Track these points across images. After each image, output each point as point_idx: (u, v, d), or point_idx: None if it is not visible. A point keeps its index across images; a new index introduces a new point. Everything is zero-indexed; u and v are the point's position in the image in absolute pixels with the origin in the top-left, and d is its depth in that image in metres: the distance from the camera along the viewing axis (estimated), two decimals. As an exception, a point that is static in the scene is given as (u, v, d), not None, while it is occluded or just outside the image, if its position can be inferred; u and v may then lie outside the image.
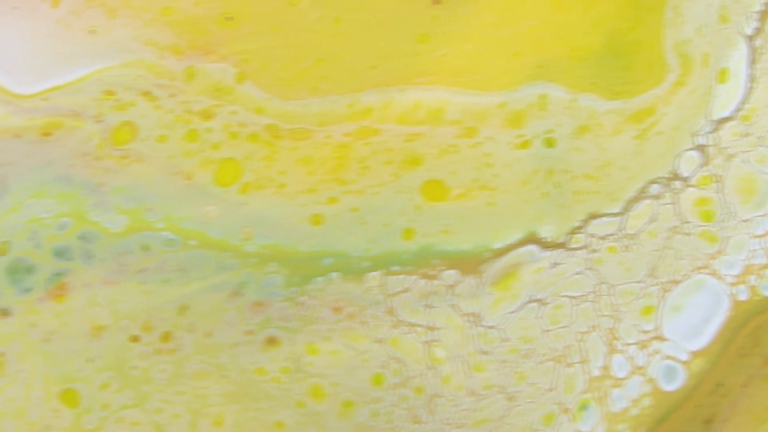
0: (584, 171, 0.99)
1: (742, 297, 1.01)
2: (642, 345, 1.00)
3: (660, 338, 1.00)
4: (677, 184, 1.00)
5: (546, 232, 0.99)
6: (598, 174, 0.99)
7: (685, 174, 1.00)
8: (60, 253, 0.97)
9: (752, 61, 1.00)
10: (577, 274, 0.99)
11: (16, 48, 0.95)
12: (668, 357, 1.00)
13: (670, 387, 1.00)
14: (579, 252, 0.99)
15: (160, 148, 0.96)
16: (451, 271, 0.99)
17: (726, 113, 1.00)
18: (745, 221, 1.00)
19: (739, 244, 1.01)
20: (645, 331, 1.00)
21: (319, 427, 0.99)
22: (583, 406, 1.00)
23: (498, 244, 0.98)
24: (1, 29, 0.95)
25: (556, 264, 0.99)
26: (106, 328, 0.98)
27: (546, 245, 0.99)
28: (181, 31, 0.96)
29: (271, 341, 0.99)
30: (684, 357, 1.00)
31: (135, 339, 0.98)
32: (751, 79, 1.00)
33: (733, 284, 1.00)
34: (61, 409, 0.99)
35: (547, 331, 1.00)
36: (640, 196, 1.00)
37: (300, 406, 0.99)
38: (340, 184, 0.98)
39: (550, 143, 0.98)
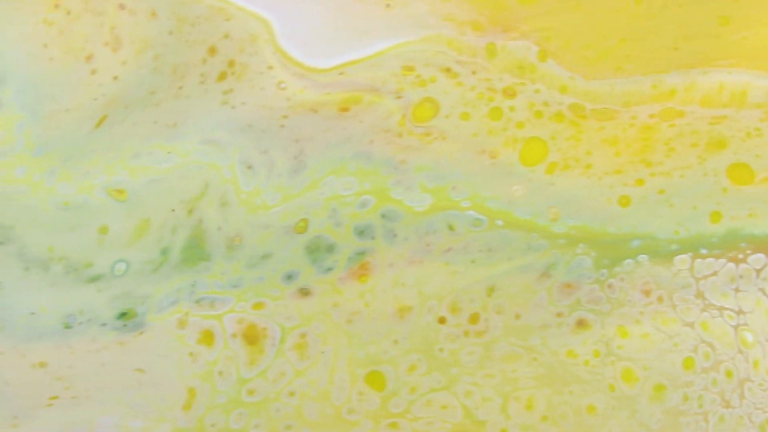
0: None
1: None
2: None
3: None
4: None
5: None
6: None
7: None
8: (361, 232, 0.93)
9: None
10: None
11: (311, 22, 0.94)
12: None
13: None
14: None
15: (464, 125, 0.94)
16: (759, 255, 0.95)
17: None
18: None
19: None
20: None
21: (631, 411, 0.94)
22: None
23: (808, 229, 0.95)
24: (295, 3, 0.93)
25: None
26: (412, 309, 0.93)
27: None
28: (481, 6, 0.95)
29: (582, 324, 0.94)
30: None
31: (442, 320, 0.94)
32: None
33: None
34: (366, 392, 0.93)
35: None
36: None
37: (611, 390, 0.94)
38: (647, 166, 0.95)
39: None
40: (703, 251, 0.96)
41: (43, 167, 0.94)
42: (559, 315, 0.96)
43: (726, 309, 0.96)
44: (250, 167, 0.94)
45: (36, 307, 0.95)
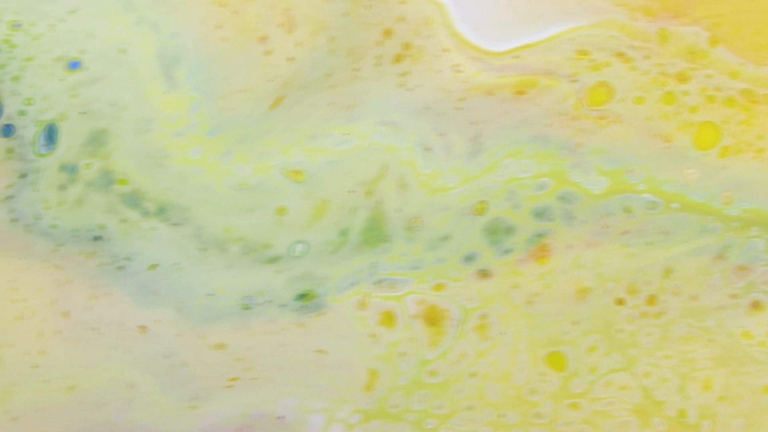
0: None
1: None
2: None
3: None
4: None
5: None
6: None
7: None
8: (540, 214, 0.94)
9: None
10: None
11: (485, 5, 0.95)
12: None
13: None
14: None
15: (638, 109, 0.95)
16: None
17: None
18: None
19: None
20: None
21: (807, 394, 0.96)
22: None
23: None
24: (470, -13, 0.95)
25: None
26: (590, 291, 0.94)
27: None
28: (652, -8, 0.97)
29: (756, 305, 0.96)
30: None
31: (620, 302, 0.95)
32: None
33: None
34: (547, 373, 0.95)
35: None
36: None
37: (787, 372, 0.95)
38: (817, 151, 0.96)
39: None
40: None
41: (218, 148, 0.94)
42: (733, 297, 0.97)
43: None
44: (428, 149, 0.95)
45: (214, 289, 0.95)
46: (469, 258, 0.95)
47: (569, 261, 0.96)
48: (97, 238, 0.94)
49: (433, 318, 0.96)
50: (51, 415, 0.96)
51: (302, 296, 0.95)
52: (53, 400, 0.96)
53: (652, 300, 0.96)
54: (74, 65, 0.94)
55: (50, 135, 0.94)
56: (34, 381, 0.96)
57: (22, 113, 0.94)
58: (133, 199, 0.94)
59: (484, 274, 0.95)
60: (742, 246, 0.97)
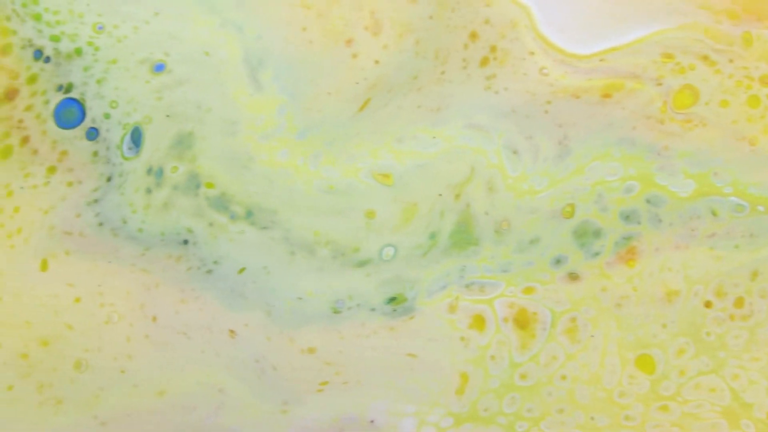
0: None
1: None
2: None
3: None
4: None
5: None
6: None
7: None
8: (627, 217, 0.95)
9: None
10: None
11: (569, 8, 0.95)
12: None
13: None
14: None
15: (723, 113, 0.96)
16: None
17: None
18: None
19: None
20: None
21: None
22: None
23: None
24: (554, -8, 0.96)
25: None
26: (678, 294, 0.95)
27: None
28: (735, -4, 0.97)
29: (839, 309, 0.96)
30: None
31: (708, 305, 0.96)
32: None
33: None
34: (637, 375, 0.95)
35: None
36: None
37: None
38: None
39: None
40: None
41: (306, 151, 0.94)
42: (816, 298, 0.97)
43: None
44: (515, 152, 0.95)
45: (303, 292, 0.95)
46: (558, 261, 0.96)
47: (657, 264, 0.96)
48: (184, 242, 0.94)
49: (523, 321, 0.96)
50: (140, 419, 0.96)
51: (392, 300, 0.95)
52: (142, 405, 0.96)
53: (739, 302, 0.97)
54: (159, 68, 0.94)
55: (136, 138, 0.94)
56: (123, 385, 0.95)
57: (106, 116, 0.93)
58: (221, 203, 0.94)
59: (573, 277, 0.96)
60: (828, 249, 0.97)
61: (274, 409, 0.95)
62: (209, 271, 0.94)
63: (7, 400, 0.95)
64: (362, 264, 0.94)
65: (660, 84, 0.96)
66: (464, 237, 0.95)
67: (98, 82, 0.93)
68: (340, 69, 0.94)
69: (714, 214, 0.96)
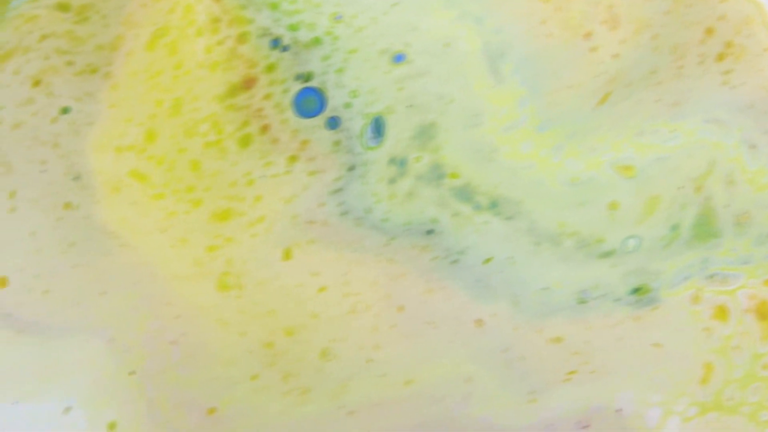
0: None
1: None
2: None
3: None
4: None
5: None
6: None
7: None
8: None
9: None
10: None
11: (801, 12, 0.97)
12: None
13: None
14: None
15: None
16: None
17: None
18: None
19: None
20: None
21: None
22: None
23: None
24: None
25: None
26: None
27: None
28: None
29: None
30: None
31: None
32: None
33: None
34: None
35: None
36: None
37: None
38: None
39: None
40: None
41: (548, 143, 0.95)
42: None
43: None
44: (753, 146, 0.96)
45: (549, 282, 0.95)
46: (803, 253, 0.96)
47: None
48: (429, 232, 0.95)
49: (764, 312, 0.97)
50: (388, 409, 0.95)
51: (636, 290, 0.95)
52: (390, 395, 0.95)
53: None
54: (399, 58, 0.95)
55: (377, 128, 0.95)
56: (370, 375, 0.95)
57: (347, 106, 0.94)
58: (465, 193, 0.94)
59: None
60: None
61: (521, 398, 0.95)
62: (455, 261, 0.94)
63: (252, 390, 0.95)
64: (606, 255, 0.95)
65: None
66: (705, 229, 0.96)
67: (338, 71, 0.94)
68: (579, 62, 0.95)
69: None
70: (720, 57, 0.97)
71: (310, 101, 0.94)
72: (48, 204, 0.93)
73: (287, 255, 0.93)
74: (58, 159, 0.93)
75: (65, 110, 0.93)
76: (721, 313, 0.96)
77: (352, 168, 0.94)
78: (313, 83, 0.94)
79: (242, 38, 0.93)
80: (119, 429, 0.95)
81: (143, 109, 0.93)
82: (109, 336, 0.95)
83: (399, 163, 0.94)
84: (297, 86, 0.94)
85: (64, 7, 0.93)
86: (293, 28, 0.94)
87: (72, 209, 0.93)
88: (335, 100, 0.94)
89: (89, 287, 0.94)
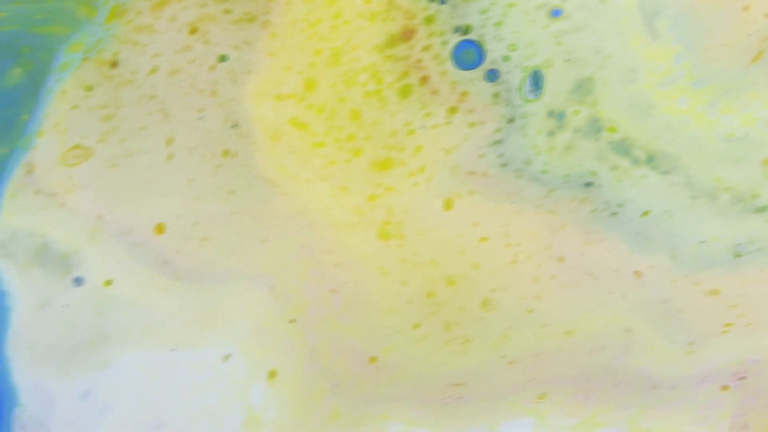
0: None
1: None
2: None
3: None
4: None
5: None
6: None
7: None
8: None
9: None
10: None
11: None
12: None
13: None
14: None
15: None
16: None
17: None
18: None
19: None
20: None
21: None
22: None
23: None
24: None
25: None
26: None
27: None
28: None
29: None
30: None
31: None
32: None
33: None
34: None
35: None
36: None
37: None
38: None
39: None
40: None
41: (704, 99, 0.97)
42: None
43: None
44: None
45: (705, 236, 0.97)
46: None
47: None
48: (588, 185, 0.96)
49: None
50: (548, 359, 0.96)
51: (789, 246, 0.97)
52: (550, 345, 0.96)
53: None
54: (556, 13, 0.96)
55: (536, 81, 0.96)
56: (531, 325, 0.96)
57: (506, 59, 0.95)
58: (623, 147, 0.96)
59: None
60: None
61: (680, 350, 0.96)
62: (613, 214, 0.95)
63: (413, 339, 0.95)
64: (761, 210, 0.96)
65: None
66: None
67: (496, 25, 0.95)
68: (732, 20, 0.97)
69: None
70: None
71: (468, 54, 0.95)
72: (206, 151, 0.93)
73: (448, 205, 0.94)
74: (216, 107, 0.94)
75: (223, 58, 0.93)
76: None
77: (511, 120, 0.95)
78: (471, 36, 0.94)
79: (400, -9, 0.94)
80: (280, 377, 0.95)
81: (302, 58, 0.93)
82: (269, 284, 0.94)
83: (557, 116, 0.95)
84: (456, 39, 0.94)
85: (223, -46, 0.94)
86: (451, -19, 0.95)
87: (230, 157, 0.94)
88: (494, 53, 0.95)
89: (249, 235, 0.94)
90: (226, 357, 0.93)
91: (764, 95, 0.96)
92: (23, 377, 0.93)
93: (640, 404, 0.96)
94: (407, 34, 0.94)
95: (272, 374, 0.94)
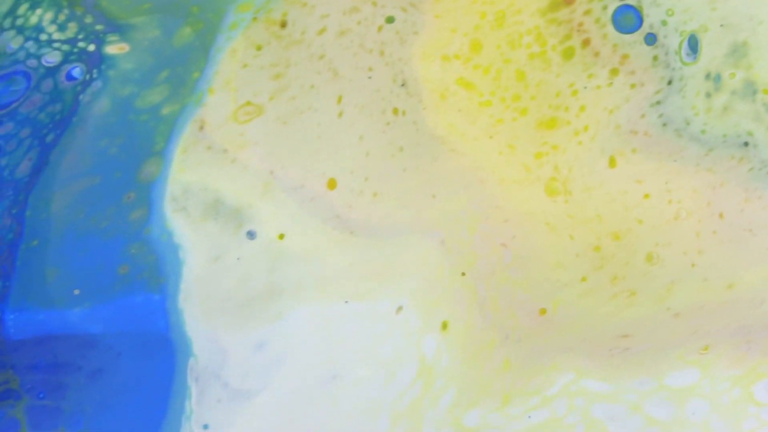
0: None
1: None
2: None
3: None
4: None
5: None
6: None
7: None
8: None
9: None
10: None
11: None
12: None
13: None
14: None
15: None
16: None
17: None
18: None
19: None
20: None
21: None
22: None
23: None
24: None
25: None
26: None
27: None
28: None
29: None
30: None
31: None
32: None
33: None
34: None
35: None
36: None
37: None
38: None
39: None
40: None
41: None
42: None
43: None
44: None
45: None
46: None
47: None
48: (745, 144, 0.99)
49: None
50: (710, 311, 0.99)
51: None
52: (712, 298, 0.99)
53: None
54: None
55: (692, 45, 0.99)
56: (693, 279, 0.99)
57: (664, 23, 0.99)
58: (778, 108, 0.99)
59: None
60: None
61: None
62: (773, 172, 0.99)
63: (581, 292, 0.98)
64: None
65: None
66: None
67: (653, -9, 0.99)
68: None
69: None
70: None
71: (628, 18, 0.98)
72: (375, 109, 0.97)
73: (612, 163, 0.97)
74: (384, 66, 0.97)
75: (390, 19, 0.97)
76: None
77: (670, 82, 0.98)
78: (629, 1, 0.98)
79: (563, -41, 0.98)
80: (451, 328, 0.97)
81: (467, 20, 0.97)
82: (440, 238, 0.97)
83: (714, 78, 0.99)
84: (615, 3, 0.98)
85: None
86: (606, -49, 0.98)
87: (400, 115, 0.97)
88: (652, 18, 0.98)
89: (419, 190, 0.97)
90: (399, 309, 0.96)
91: None
92: (197, 329, 0.95)
93: (801, 355, 0.99)
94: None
95: (445, 325, 0.96)
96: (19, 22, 0.93)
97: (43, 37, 0.94)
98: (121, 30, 0.94)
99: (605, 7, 0.97)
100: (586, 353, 0.97)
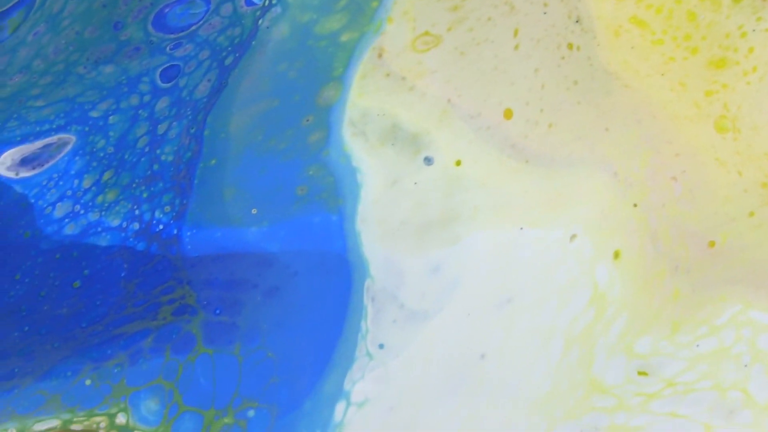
0: None
1: None
2: None
3: None
4: None
5: None
6: None
7: None
8: None
9: None
10: None
11: None
12: None
13: None
14: None
15: None
16: None
17: None
18: None
19: None
20: None
21: None
22: None
23: None
24: None
25: None
26: None
27: None
28: None
29: None
30: None
31: None
32: None
33: None
34: None
35: None
36: None
37: None
38: None
39: None
40: None
41: None
42: None
43: None
44: None
45: None
46: None
47: None
48: None
49: None
50: None
51: None
52: None
53: None
54: None
55: None
56: None
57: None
58: None
59: None
60: None
61: None
62: None
63: (749, 226, 1.02)
64: None
65: None
66: None
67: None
68: None
69: None
70: None
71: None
72: (550, 44, 1.00)
73: (785, 103, 1.01)
74: (560, 2, 1.00)
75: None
76: None
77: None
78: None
79: None
80: (623, 257, 1.00)
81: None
82: (613, 170, 1.01)
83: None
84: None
85: None
86: None
87: (574, 50, 1.00)
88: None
89: (592, 123, 1.00)
90: (573, 237, 0.99)
91: None
92: (373, 251, 0.98)
93: None
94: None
95: (617, 254, 0.99)
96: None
97: (226, -39, 0.97)
98: (300, -41, 0.97)
99: (764, -52, 1.00)
100: (755, 286, 1.00)
